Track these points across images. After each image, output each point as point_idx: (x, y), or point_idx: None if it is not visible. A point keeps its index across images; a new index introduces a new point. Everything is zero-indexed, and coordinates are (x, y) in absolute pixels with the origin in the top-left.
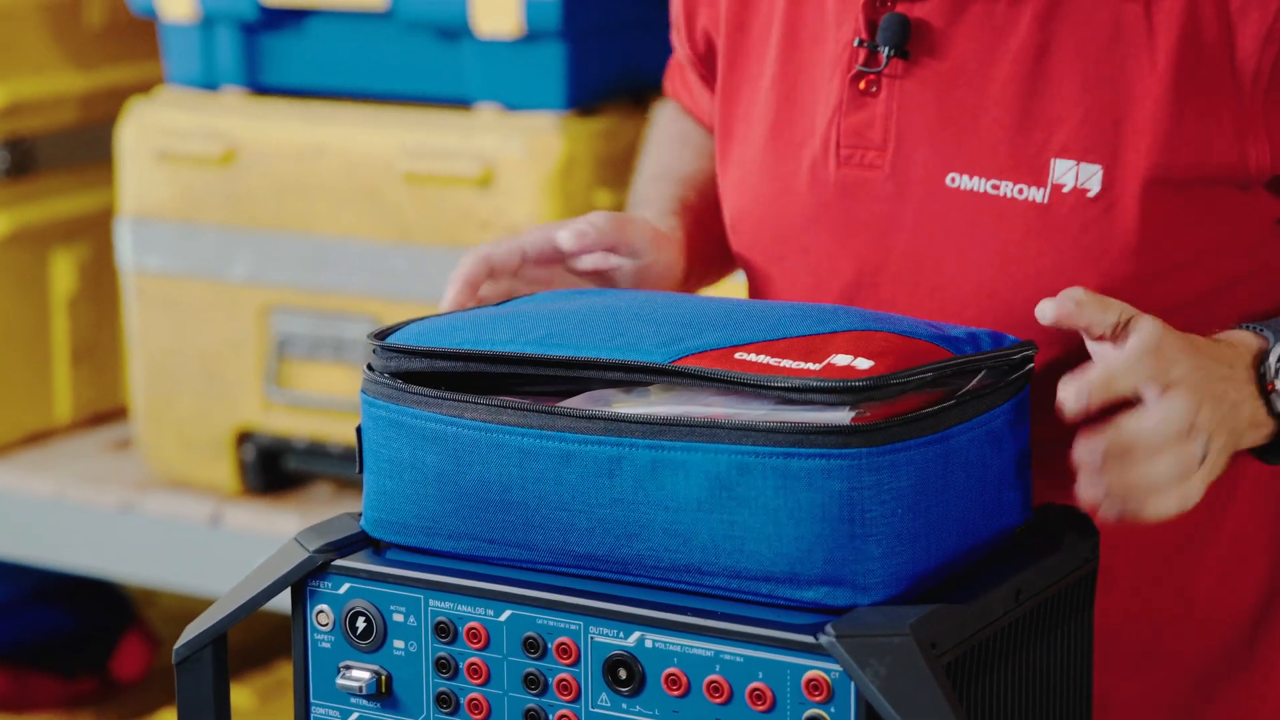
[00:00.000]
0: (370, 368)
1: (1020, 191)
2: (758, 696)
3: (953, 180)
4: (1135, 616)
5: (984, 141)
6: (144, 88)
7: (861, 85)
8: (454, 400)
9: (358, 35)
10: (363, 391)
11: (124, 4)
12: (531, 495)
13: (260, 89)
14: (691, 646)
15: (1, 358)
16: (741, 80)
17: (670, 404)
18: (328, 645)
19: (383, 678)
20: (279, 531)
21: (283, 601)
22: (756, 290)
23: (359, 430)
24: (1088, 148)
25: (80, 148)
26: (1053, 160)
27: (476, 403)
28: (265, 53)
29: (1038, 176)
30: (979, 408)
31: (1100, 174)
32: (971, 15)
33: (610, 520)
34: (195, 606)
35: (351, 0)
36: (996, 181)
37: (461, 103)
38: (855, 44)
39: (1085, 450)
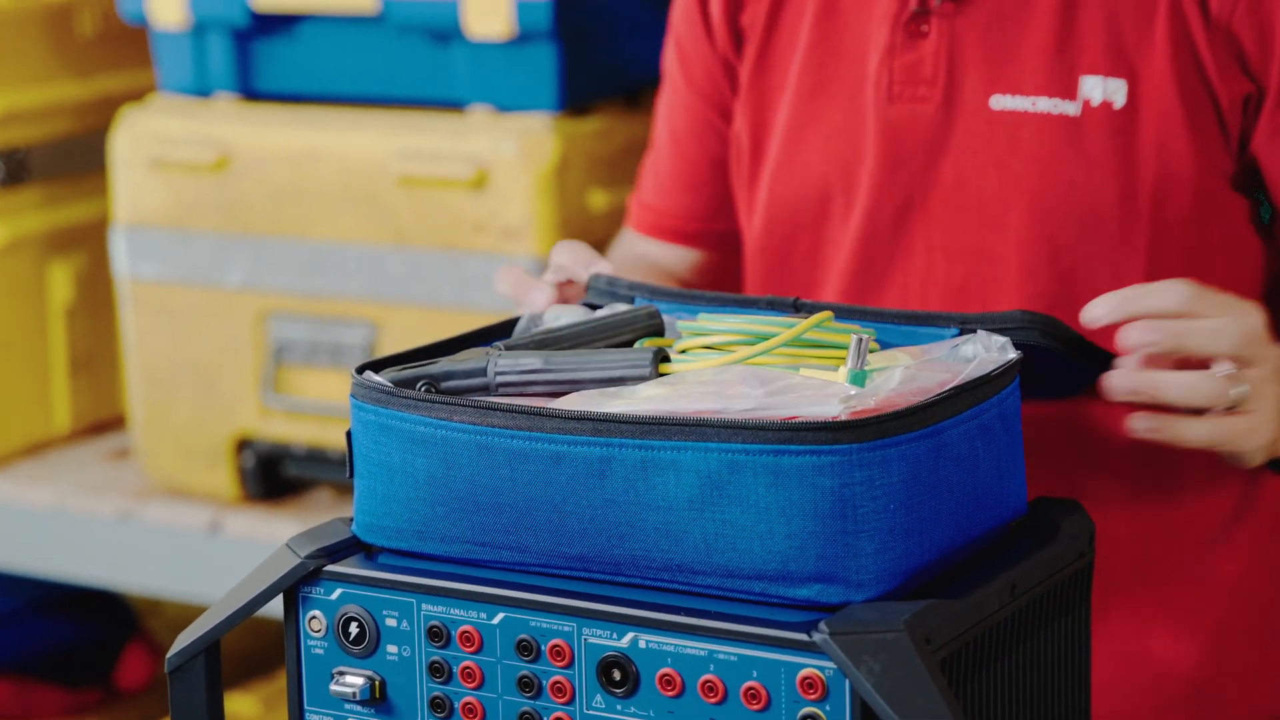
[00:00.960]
0: (359, 370)
1: (1055, 106)
2: (752, 695)
3: (996, 101)
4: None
5: (1024, 64)
6: (137, 96)
7: (914, 28)
8: (443, 403)
9: (349, 39)
10: (352, 395)
11: (115, 12)
12: (522, 497)
13: (253, 95)
14: (685, 646)
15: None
16: (774, 61)
17: (660, 403)
18: (321, 651)
19: (376, 683)
20: (279, 538)
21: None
22: (805, 246)
23: (349, 435)
24: (1113, 65)
25: (74, 157)
26: (1082, 77)
27: (465, 405)
28: (257, 59)
29: (1070, 92)
30: (969, 400)
31: (1125, 88)
32: None
33: (601, 521)
34: (197, 615)
35: (342, 4)
36: (1035, 99)
37: (454, 105)
38: None
39: (1138, 335)
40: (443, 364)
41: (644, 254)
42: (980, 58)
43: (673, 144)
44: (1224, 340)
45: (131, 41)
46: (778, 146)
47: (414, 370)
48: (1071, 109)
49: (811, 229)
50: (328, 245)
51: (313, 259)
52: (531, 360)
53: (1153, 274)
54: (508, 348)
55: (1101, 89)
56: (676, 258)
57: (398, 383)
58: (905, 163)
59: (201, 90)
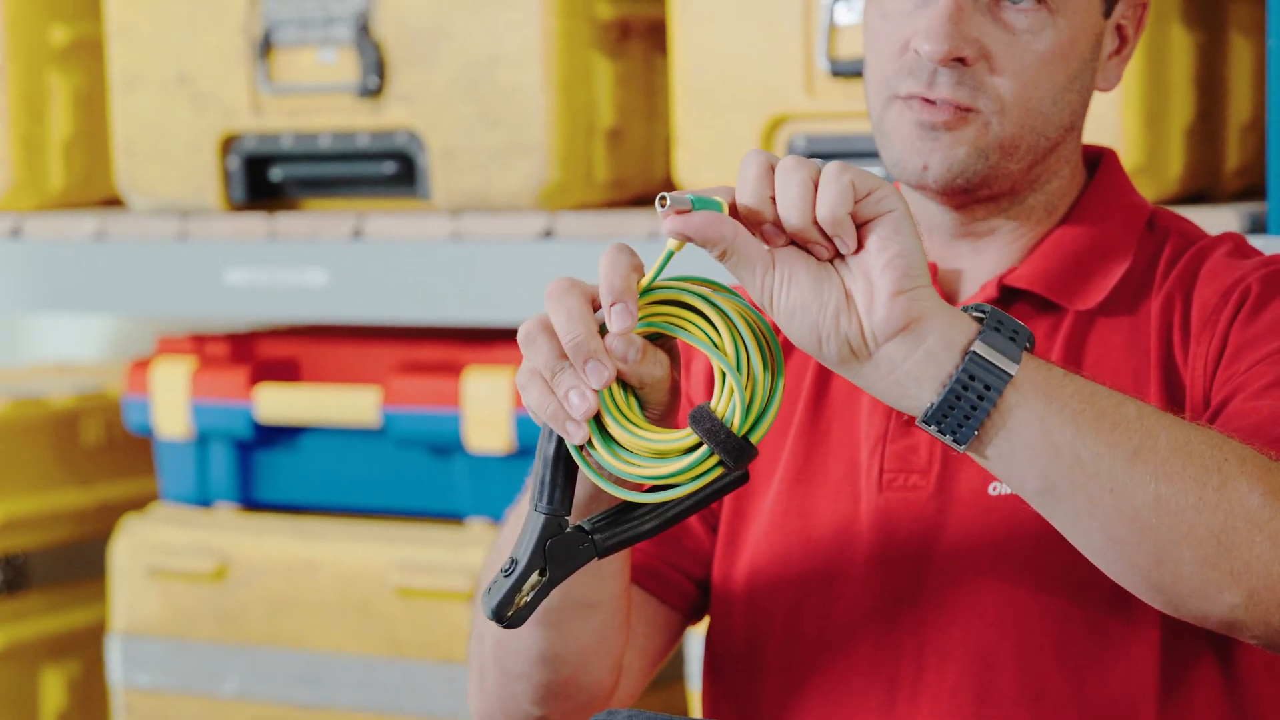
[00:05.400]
0: None
1: None
2: None
3: (994, 489)
4: None
5: None
6: (138, 503)
7: (907, 416)
8: None
9: (350, 451)
10: None
11: (120, 422)
12: None
13: (253, 504)
14: None
15: None
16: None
17: None
18: None
19: None
20: None
21: None
22: (776, 645)
23: None
24: None
25: (74, 564)
26: None
27: None
28: (259, 469)
29: None
30: None
31: None
32: None
33: None
34: None
35: (345, 418)
36: None
37: (453, 517)
38: None
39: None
40: None
41: None
42: None
43: None
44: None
45: (135, 450)
46: (756, 535)
47: None
48: None
49: (786, 626)
50: (323, 656)
51: (308, 670)
52: None
53: (1166, 667)
54: None
55: None
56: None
57: None
58: (894, 555)
59: (202, 500)
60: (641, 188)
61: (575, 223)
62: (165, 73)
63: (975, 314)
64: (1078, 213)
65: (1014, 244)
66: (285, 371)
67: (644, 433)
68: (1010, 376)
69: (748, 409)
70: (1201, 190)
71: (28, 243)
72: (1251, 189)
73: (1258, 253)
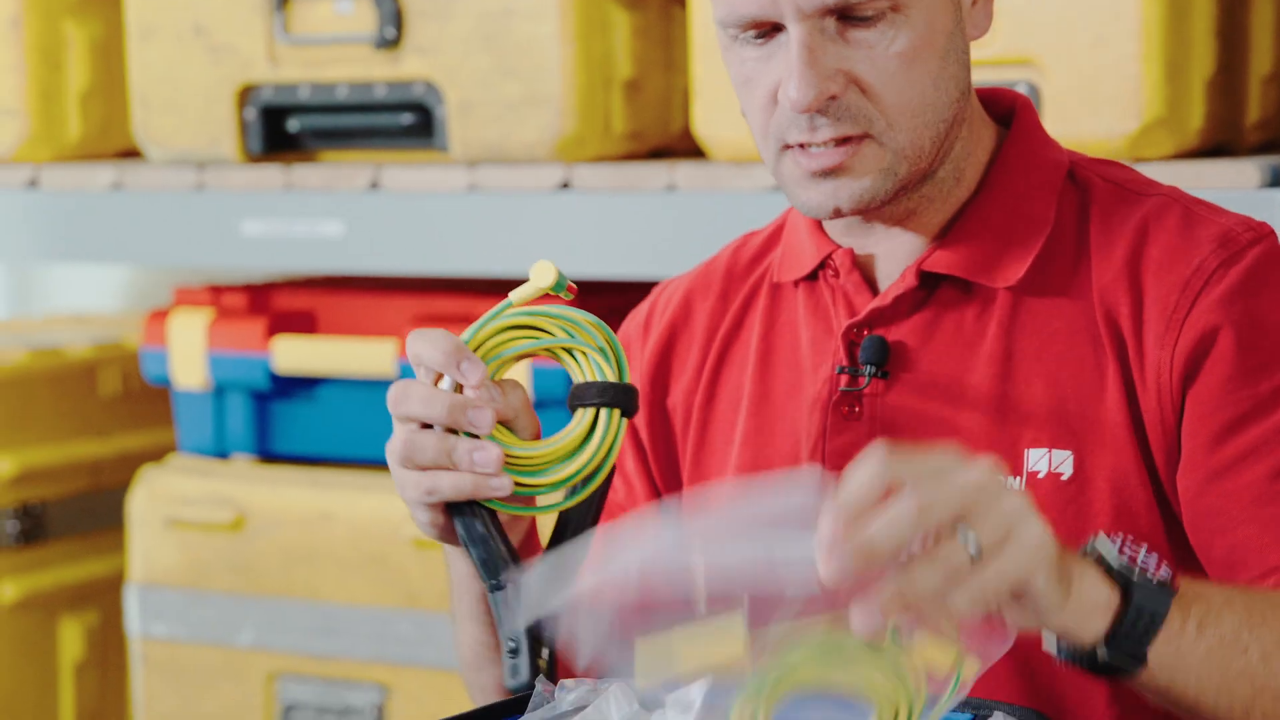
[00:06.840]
0: None
1: None
2: None
3: None
4: None
5: (963, 441)
6: (156, 454)
7: (845, 410)
8: None
9: (367, 403)
10: None
11: (138, 373)
12: None
13: (270, 456)
14: None
15: None
16: (710, 451)
17: None
18: None
19: None
20: None
21: None
22: None
23: None
24: (1056, 436)
25: (91, 514)
26: (1026, 450)
27: None
28: (276, 420)
29: (1014, 466)
30: None
31: (1071, 458)
32: (943, 331)
33: None
34: None
35: (362, 369)
36: None
37: None
38: (837, 371)
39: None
40: None
41: None
42: (916, 436)
43: None
44: (931, 515)
45: (153, 401)
46: None
47: None
48: (1016, 483)
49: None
50: (339, 607)
51: (324, 620)
52: None
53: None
54: None
55: (1047, 461)
56: None
57: None
58: None
59: (219, 451)
60: (659, 140)
61: (592, 175)
62: (181, 23)
63: (1108, 585)
64: (991, 179)
65: (929, 222)
66: (302, 323)
67: (544, 444)
68: (1137, 672)
69: (609, 360)
70: (1222, 143)
71: (45, 193)
72: (1272, 142)
73: (1206, 209)
